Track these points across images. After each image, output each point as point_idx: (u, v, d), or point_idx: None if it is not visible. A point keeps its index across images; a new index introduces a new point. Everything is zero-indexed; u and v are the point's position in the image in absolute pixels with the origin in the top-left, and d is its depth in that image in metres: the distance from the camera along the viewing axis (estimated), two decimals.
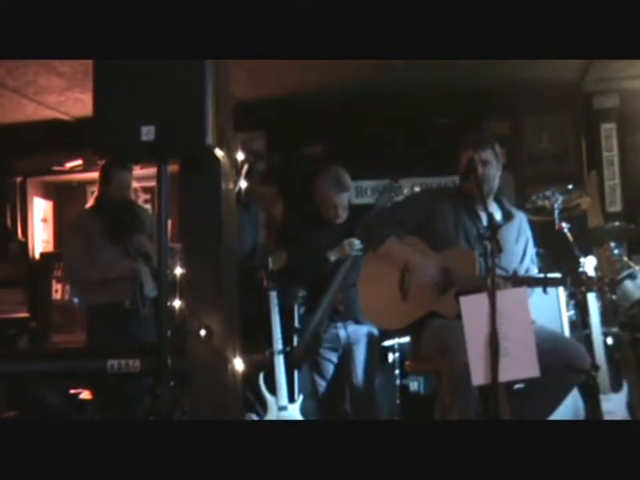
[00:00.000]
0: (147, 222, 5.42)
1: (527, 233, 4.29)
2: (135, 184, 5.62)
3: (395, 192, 5.20)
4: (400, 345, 5.39)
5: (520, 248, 4.20)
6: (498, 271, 3.51)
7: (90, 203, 5.76)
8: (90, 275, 5.34)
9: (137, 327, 5.15)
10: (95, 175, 7.41)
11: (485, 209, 3.75)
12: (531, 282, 3.92)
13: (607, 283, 3.99)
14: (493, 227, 3.51)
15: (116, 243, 5.31)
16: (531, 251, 4.26)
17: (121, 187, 5.40)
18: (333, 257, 5.04)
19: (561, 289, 4.86)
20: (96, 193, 5.61)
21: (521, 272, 4.10)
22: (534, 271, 4.24)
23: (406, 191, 5.75)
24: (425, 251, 4.13)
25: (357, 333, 5.13)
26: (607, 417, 4.70)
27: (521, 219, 4.31)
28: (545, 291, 3.94)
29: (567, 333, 4.87)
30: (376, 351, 5.24)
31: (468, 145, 4.12)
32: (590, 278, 3.98)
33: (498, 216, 4.12)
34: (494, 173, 4.15)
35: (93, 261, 5.31)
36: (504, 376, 3.20)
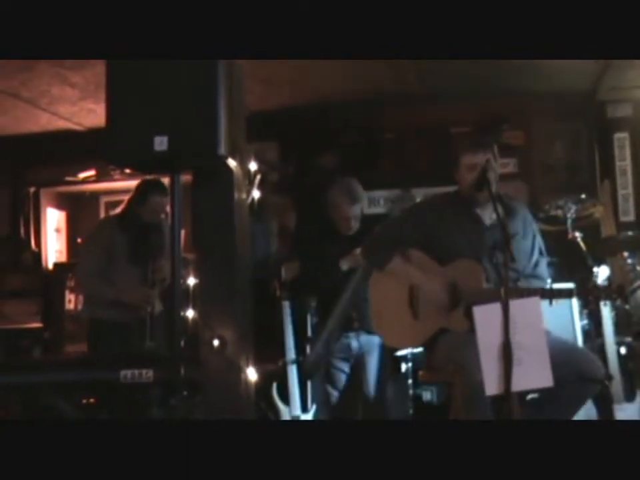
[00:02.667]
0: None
1: (533, 226, 4.24)
2: None
3: (408, 202, 5.20)
4: (413, 354, 5.37)
5: (528, 243, 4.15)
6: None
7: (116, 212, 5.66)
8: (103, 293, 5.29)
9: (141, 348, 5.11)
10: (108, 185, 7.48)
11: (498, 216, 3.68)
12: (538, 294, 3.89)
13: (615, 290, 3.97)
14: (506, 237, 3.49)
15: (137, 264, 5.26)
16: (539, 243, 4.21)
17: (155, 211, 5.31)
18: (344, 266, 5.04)
19: (573, 298, 4.86)
20: (124, 206, 5.48)
21: (531, 266, 4.09)
22: (544, 264, 4.18)
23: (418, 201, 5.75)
24: (429, 267, 4.11)
25: (369, 343, 5.14)
26: None
27: (524, 213, 4.25)
28: (550, 303, 3.91)
29: (580, 342, 4.86)
30: (388, 360, 5.24)
31: (467, 148, 4.10)
32: (597, 286, 3.95)
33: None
34: (495, 176, 4.08)
35: (109, 277, 5.26)
36: (517, 385, 3.20)
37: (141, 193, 5.33)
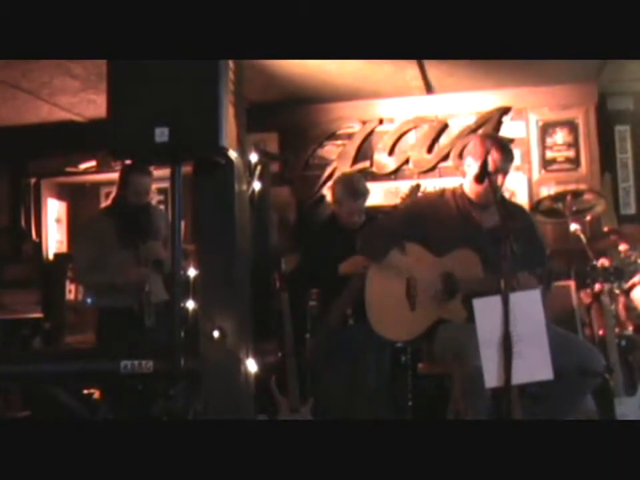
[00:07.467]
0: (162, 226, 5.37)
1: (536, 231, 4.23)
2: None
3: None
4: (412, 346, 5.37)
5: (532, 251, 4.12)
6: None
7: (106, 204, 5.70)
8: (97, 279, 5.29)
9: (144, 333, 5.10)
10: (108, 175, 7.47)
11: (500, 212, 3.66)
12: (536, 278, 3.86)
13: (612, 273, 3.93)
14: (507, 230, 3.47)
15: (127, 247, 5.22)
16: (542, 249, 4.19)
17: (139, 192, 5.26)
18: (343, 269, 5.00)
19: (573, 291, 4.85)
20: (113, 195, 5.47)
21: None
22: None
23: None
24: (426, 258, 4.09)
25: (370, 334, 5.12)
26: None
27: (525, 218, 4.24)
28: (549, 287, 3.90)
29: (580, 335, 4.85)
30: (388, 352, 5.24)
31: (486, 147, 4.03)
32: (595, 268, 3.92)
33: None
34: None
35: (103, 264, 5.26)
36: (517, 378, 3.19)
37: (123, 177, 5.33)
